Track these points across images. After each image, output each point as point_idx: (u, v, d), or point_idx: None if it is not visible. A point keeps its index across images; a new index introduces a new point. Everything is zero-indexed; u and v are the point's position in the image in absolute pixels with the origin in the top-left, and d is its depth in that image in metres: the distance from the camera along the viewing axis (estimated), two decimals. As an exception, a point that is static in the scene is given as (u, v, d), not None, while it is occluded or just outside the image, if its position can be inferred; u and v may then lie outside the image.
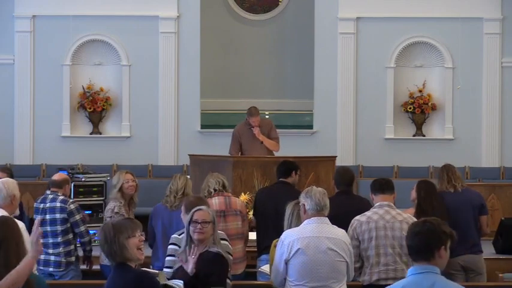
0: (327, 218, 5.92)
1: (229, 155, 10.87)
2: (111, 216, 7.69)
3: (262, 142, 10.84)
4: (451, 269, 7.70)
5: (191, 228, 5.72)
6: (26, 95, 15.22)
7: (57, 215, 7.79)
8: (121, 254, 4.67)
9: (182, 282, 5.48)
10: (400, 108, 15.33)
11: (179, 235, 6.34)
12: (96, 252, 8.21)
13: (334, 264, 5.82)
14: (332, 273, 5.81)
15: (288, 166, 8.28)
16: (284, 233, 5.98)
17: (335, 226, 5.97)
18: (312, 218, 5.87)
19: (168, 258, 6.26)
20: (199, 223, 5.70)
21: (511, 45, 15.22)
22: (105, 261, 7.74)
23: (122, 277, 4.68)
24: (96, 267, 8.10)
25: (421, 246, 3.99)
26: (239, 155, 10.86)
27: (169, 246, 6.35)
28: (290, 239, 5.84)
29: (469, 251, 7.82)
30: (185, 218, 6.34)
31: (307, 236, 5.81)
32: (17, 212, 6.37)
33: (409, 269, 4.04)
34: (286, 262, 5.82)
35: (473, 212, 7.94)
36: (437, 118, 15.34)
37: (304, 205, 5.93)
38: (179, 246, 6.18)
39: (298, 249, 5.78)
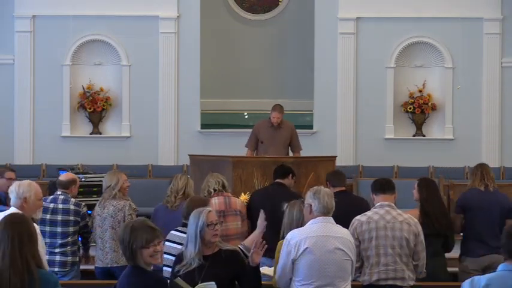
0: (332, 218, 5.92)
1: (245, 146, 11.21)
2: (130, 214, 7.74)
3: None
4: (472, 269, 7.70)
5: (208, 230, 5.61)
6: (26, 95, 15.22)
7: (71, 217, 7.87)
8: (133, 259, 4.75)
9: (214, 283, 5.46)
10: (400, 108, 15.33)
11: (181, 233, 6.35)
12: (92, 252, 8.23)
13: (342, 263, 5.82)
14: (339, 272, 5.80)
15: (286, 169, 8.42)
16: (290, 233, 5.95)
17: (339, 225, 5.98)
18: (318, 218, 5.87)
19: (168, 256, 6.27)
20: (215, 224, 5.65)
21: (511, 45, 15.22)
22: (99, 263, 7.79)
23: (133, 280, 4.76)
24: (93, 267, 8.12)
25: None
26: (254, 150, 11.04)
27: (172, 245, 6.35)
28: (297, 238, 5.82)
29: (494, 251, 7.80)
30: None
31: (314, 235, 5.81)
32: (38, 215, 6.46)
33: (500, 264, 4.07)
34: (293, 262, 5.81)
35: (501, 213, 7.92)
36: (437, 118, 15.34)
37: (310, 205, 5.92)
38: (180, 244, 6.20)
39: (306, 248, 5.76)
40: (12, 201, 6.23)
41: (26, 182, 6.35)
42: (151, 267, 4.83)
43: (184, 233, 6.32)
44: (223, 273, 5.56)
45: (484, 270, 7.74)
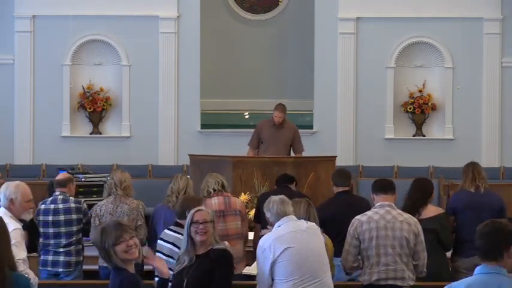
0: (293, 216, 6.07)
1: (248, 146, 11.22)
2: (143, 214, 7.84)
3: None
4: (464, 268, 7.69)
5: (192, 229, 5.66)
6: (26, 95, 15.22)
7: (74, 216, 7.85)
8: (109, 260, 4.77)
9: None
10: (400, 108, 15.33)
11: (172, 232, 6.37)
12: (95, 252, 8.21)
13: (320, 252, 5.96)
14: (318, 264, 5.93)
15: (290, 177, 8.49)
16: (261, 239, 6.09)
17: (302, 220, 6.14)
18: (280, 220, 6.02)
19: (160, 255, 6.30)
20: (200, 223, 5.66)
21: (511, 45, 15.22)
22: (103, 262, 7.77)
23: (112, 280, 4.80)
24: (95, 267, 8.11)
25: (490, 246, 4.00)
26: (256, 149, 11.04)
27: (164, 244, 6.37)
28: (269, 241, 5.93)
29: None
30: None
31: (284, 233, 5.93)
32: (28, 217, 6.50)
33: (476, 268, 4.03)
34: (272, 265, 5.88)
35: (492, 214, 7.90)
36: (437, 118, 15.33)
37: (268, 218, 6.12)
38: (175, 245, 6.23)
39: (282, 247, 5.87)
40: (1, 202, 6.27)
41: (14, 183, 6.38)
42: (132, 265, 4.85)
43: (177, 232, 6.35)
44: (208, 272, 5.56)
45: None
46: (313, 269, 5.86)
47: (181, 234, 6.30)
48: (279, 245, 5.84)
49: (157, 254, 6.31)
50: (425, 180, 7.92)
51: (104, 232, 4.77)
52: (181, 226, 6.38)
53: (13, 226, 6.07)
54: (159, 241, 6.43)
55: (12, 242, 5.91)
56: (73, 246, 7.87)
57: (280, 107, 11.19)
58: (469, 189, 7.97)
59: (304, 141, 11.61)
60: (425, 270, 6.56)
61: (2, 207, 6.25)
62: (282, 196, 6.16)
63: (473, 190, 7.96)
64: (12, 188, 6.26)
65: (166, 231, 6.52)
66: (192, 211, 5.77)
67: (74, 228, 7.86)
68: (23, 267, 6.12)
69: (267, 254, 5.86)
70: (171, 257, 6.22)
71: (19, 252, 6.08)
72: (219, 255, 5.66)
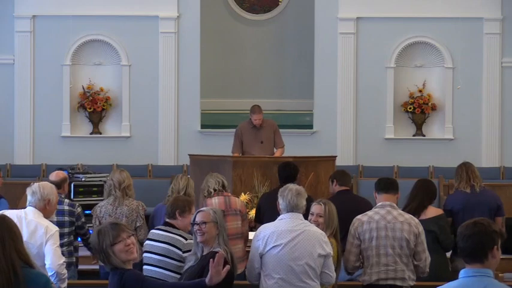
0: (300, 214, 6.06)
1: (231, 153, 10.99)
2: (143, 214, 7.87)
3: (262, 142, 10.89)
4: (461, 268, 7.67)
5: (193, 229, 5.74)
6: (26, 95, 15.22)
7: (66, 218, 7.82)
8: (108, 261, 4.73)
9: None
10: (400, 108, 15.33)
11: (164, 232, 6.36)
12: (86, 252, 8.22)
13: (310, 257, 5.92)
14: (306, 267, 5.91)
15: (292, 170, 8.42)
16: (261, 227, 6.12)
17: (307, 221, 6.11)
18: (286, 214, 6.03)
19: (150, 255, 6.30)
20: (197, 224, 5.71)
21: (511, 45, 15.22)
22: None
23: (113, 280, 4.78)
24: (95, 267, 8.10)
25: (474, 248, 3.91)
26: (240, 153, 10.94)
27: (153, 243, 6.35)
28: (265, 232, 5.96)
29: None
30: (183, 220, 6.37)
31: (282, 229, 5.95)
32: (54, 218, 6.55)
33: (461, 271, 3.95)
34: (261, 256, 5.91)
35: (489, 213, 7.90)
36: (437, 118, 15.34)
37: (279, 203, 6.13)
38: (172, 245, 6.23)
39: (272, 243, 5.90)
40: (33, 202, 6.28)
41: (48, 184, 6.46)
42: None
43: (170, 232, 6.34)
44: (200, 274, 5.57)
45: None
46: (298, 271, 5.86)
47: (175, 234, 6.31)
48: (270, 240, 5.89)
49: (147, 255, 6.29)
50: (429, 181, 7.96)
51: (100, 233, 4.74)
52: (171, 226, 6.39)
53: (53, 228, 6.24)
54: (148, 242, 6.38)
55: (57, 244, 6.10)
56: (65, 247, 7.84)
57: (258, 109, 11.05)
58: (464, 189, 7.98)
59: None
60: (427, 270, 6.55)
61: (29, 207, 6.27)
62: (301, 187, 6.17)
63: (468, 190, 7.97)
64: (48, 189, 6.32)
65: (156, 231, 6.44)
66: (196, 211, 5.82)
67: (66, 230, 7.82)
68: (66, 270, 6.18)
69: (259, 244, 5.93)
70: (167, 256, 6.22)
71: (61, 255, 6.18)
72: (210, 258, 5.68)
